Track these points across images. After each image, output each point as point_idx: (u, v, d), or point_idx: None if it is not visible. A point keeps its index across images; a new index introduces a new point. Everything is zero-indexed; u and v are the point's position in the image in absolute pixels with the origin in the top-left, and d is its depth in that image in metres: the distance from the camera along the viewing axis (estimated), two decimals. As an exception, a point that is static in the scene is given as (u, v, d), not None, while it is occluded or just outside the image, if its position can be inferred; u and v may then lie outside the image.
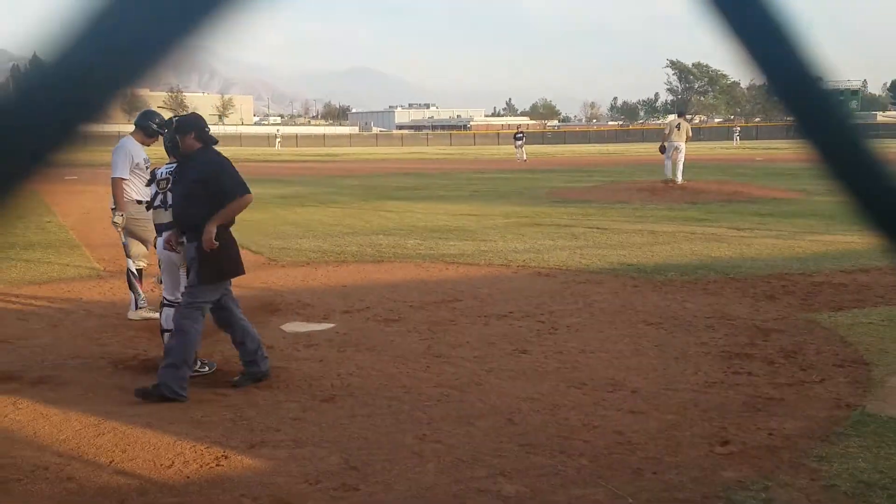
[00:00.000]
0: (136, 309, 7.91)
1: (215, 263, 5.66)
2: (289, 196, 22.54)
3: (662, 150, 22.38)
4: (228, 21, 0.61)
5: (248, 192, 5.71)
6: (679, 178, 22.04)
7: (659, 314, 7.90)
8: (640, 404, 5.39)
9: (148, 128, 7.67)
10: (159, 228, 6.37)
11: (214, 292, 5.73)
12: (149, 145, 7.89)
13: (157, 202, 6.39)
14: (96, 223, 14.05)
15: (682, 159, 22.19)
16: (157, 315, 6.96)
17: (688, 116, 25.24)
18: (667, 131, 22.60)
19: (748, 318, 7.66)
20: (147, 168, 7.72)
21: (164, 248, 6.14)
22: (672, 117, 23.35)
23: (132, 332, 7.35)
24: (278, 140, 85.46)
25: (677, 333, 7.20)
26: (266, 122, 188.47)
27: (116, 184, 7.62)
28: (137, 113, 7.72)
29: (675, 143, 21.91)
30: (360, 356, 6.62)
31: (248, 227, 14.91)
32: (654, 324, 7.54)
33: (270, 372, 5.94)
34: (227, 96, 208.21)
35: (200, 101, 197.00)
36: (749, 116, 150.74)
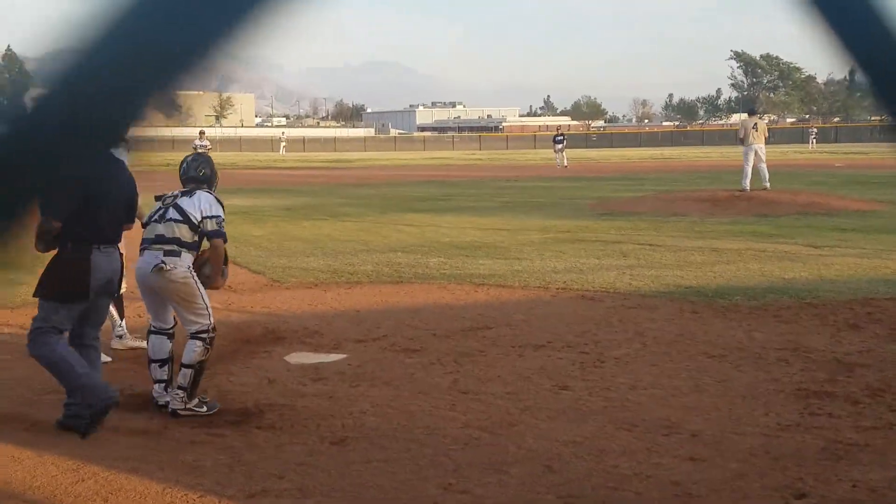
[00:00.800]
0: (119, 338, 7.98)
1: (45, 278, 5.75)
2: (294, 208, 22.66)
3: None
4: (268, 25, 0.63)
5: (43, 214, 5.60)
6: (768, 184, 22.87)
7: (722, 345, 7.84)
8: (701, 450, 5.34)
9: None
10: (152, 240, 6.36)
11: (56, 312, 5.75)
12: None
13: (154, 216, 6.38)
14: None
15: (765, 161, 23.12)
16: (143, 344, 7.01)
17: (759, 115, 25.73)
18: (741, 134, 22.97)
19: (828, 351, 7.58)
20: None
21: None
22: (739, 117, 23.82)
23: (117, 364, 7.39)
24: (283, 144, 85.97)
25: (744, 367, 7.14)
26: (269, 124, 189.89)
27: None
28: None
29: (756, 146, 22.45)
30: (376, 392, 6.61)
31: (247, 243, 15.02)
32: (716, 356, 7.48)
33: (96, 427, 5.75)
34: (225, 94, 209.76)
35: (195, 100, 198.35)
36: (826, 116, 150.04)
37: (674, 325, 8.65)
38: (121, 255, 6.11)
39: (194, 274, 6.24)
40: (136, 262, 6.31)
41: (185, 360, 6.20)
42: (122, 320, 8.05)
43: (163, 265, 6.06)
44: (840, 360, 7.29)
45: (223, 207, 6.49)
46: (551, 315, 9.23)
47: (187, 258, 6.20)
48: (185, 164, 6.65)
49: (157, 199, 6.53)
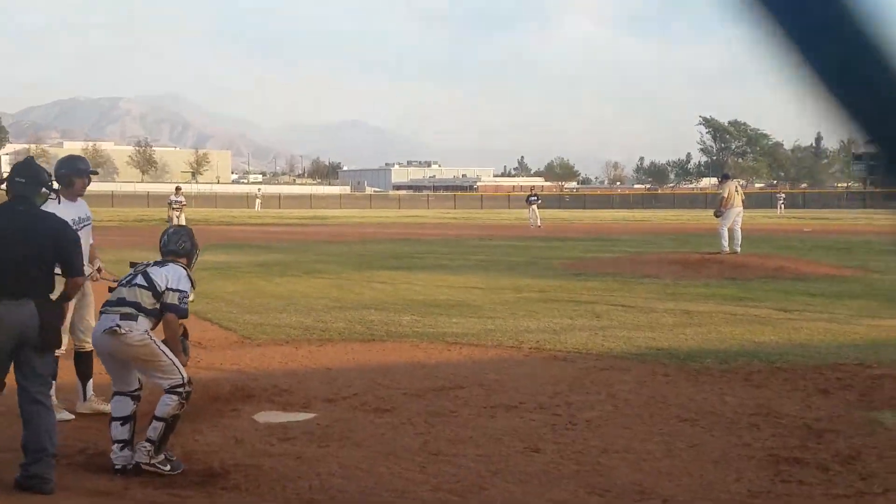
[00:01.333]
0: (85, 400, 7.75)
1: None
2: (268, 264, 22.53)
3: (719, 214, 23.29)
4: None
5: None
6: (739, 248, 23.06)
7: (694, 409, 7.77)
8: (673, 516, 5.25)
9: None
10: (114, 303, 6.20)
11: None
12: (73, 199, 7.59)
13: (122, 281, 6.27)
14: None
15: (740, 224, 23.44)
16: (107, 408, 6.83)
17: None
18: (725, 193, 23.14)
19: (798, 416, 7.51)
20: (81, 229, 7.50)
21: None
22: (710, 181, 24.21)
23: (81, 422, 7.22)
24: (258, 200, 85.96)
25: (716, 432, 7.07)
26: (245, 181, 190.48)
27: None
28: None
29: (739, 209, 22.82)
30: (345, 452, 6.48)
31: (219, 298, 14.87)
32: (688, 420, 7.41)
33: (49, 488, 5.57)
34: (202, 151, 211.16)
35: (171, 157, 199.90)
36: (794, 181, 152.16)
37: (646, 388, 8.58)
38: (46, 309, 5.80)
39: (153, 336, 6.09)
40: None
41: (157, 412, 6.03)
42: (87, 381, 7.80)
43: (117, 328, 5.93)
44: (810, 425, 7.23)
45: (193, 285, 6.38)
46: (524, 375, 9.14)
47: (144, 322, 6.05)
48: (165, 237, 6.60)
49: (132, 266, 6.46)
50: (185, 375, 6.13)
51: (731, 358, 9.93)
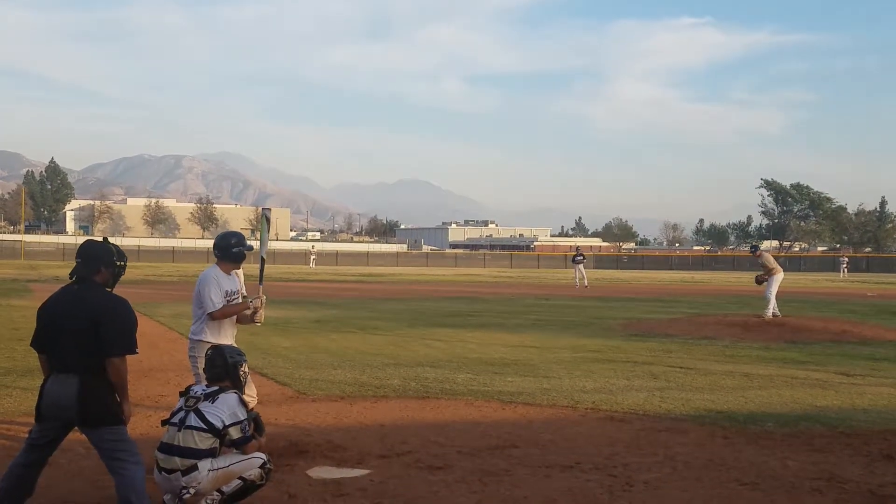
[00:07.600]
0: None
1: None
2: (323, 320, 22.65)
3: (763, 280, 22.83)
4: None
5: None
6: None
7: (755, 472, 7.63)
8: (733, 582, 5.13)
9: (226, 251, 7.90)
10: (167, 449, 6.13)
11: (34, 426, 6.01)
12: (228, 273, 7.94)
13: (174, 418, 6.23)
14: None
15: None
16: None
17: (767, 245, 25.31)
18: (771, 265, 22.74)
19: (862, 482, 7.35)
20: (232, 300, 7.83)
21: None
22: (771, 244, 23.60)
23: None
24: (313, 257, 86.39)
25: (777, 497, 6.92)
26: (304, 238, 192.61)
27: (224, 314, 7.77)
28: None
29: (779, 276, 22.58)
30: (398, 510, 6.44)
31: (275, 354, 14.96)
32: (748, 484, 7.27)
33: None
34: (261, 208, 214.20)
35: (232, 214, 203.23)
36: (858, 246, 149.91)
37: (705, 451, 8.44)
38: (88, 385, 5.69)
39: (217, 463, 6.08)
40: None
41: (242, 470, 6.10)
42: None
43: (187, 493, 5.93)
44: (874, 491, 7.07)
45: (244, 403, 6.37)
46: (579, 435, 9.05)
47: (206, 464, 6.03)
48: (206, 363, 6.69)
49: (182, 395, 6.42)
50: (261, 456, 6.23)
51: (792, 422, 9.75)
